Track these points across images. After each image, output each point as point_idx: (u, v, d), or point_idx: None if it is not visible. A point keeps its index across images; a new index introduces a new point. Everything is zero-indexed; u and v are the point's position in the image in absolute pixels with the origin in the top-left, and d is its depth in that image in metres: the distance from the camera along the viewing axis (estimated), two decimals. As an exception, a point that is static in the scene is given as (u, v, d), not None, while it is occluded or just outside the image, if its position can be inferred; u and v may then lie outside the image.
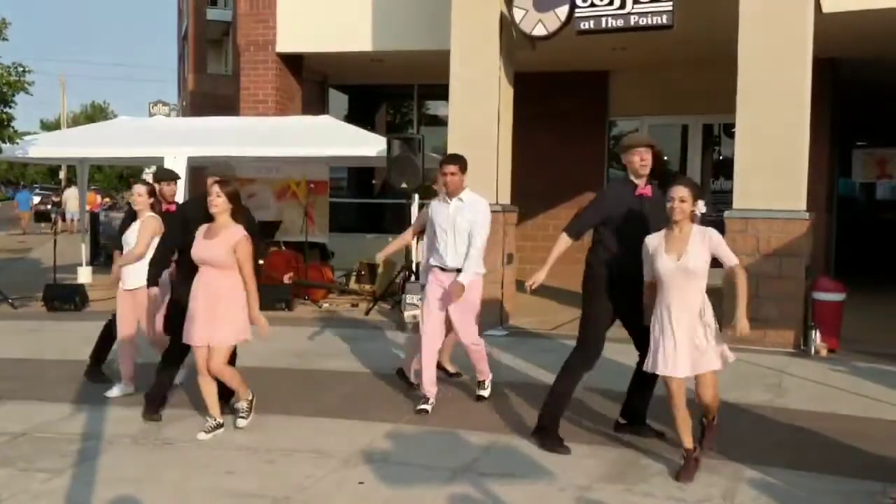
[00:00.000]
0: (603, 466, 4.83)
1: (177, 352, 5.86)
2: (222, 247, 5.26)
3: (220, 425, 5.45)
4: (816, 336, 8.14)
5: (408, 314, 9.68)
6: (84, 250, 13.96)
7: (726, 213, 8.65)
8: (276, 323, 7.07)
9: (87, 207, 15.52)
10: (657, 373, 4.70)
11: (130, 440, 5.32)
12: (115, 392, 6.38)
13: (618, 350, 5.94)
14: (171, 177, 7.13)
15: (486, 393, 6.35)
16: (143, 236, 6.31)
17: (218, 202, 5.30)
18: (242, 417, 5.61)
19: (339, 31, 12.56)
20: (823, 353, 8.09)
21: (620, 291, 5.12)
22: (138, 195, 6.44)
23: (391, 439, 5.37)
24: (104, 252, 16.63)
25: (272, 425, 5.72)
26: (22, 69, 10.28)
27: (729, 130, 12.62)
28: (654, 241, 4.79)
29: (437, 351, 6.12)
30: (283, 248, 11.89)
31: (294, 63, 13.44)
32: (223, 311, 5.29)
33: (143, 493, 4.46)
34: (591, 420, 5.76)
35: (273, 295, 10.08)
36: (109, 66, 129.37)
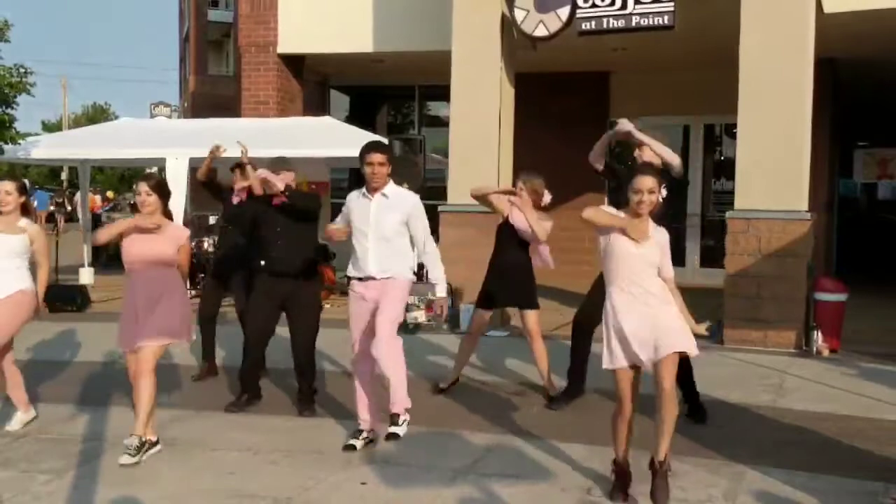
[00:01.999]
0: (604, 467, 4.81)
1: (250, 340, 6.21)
2: (169, 244, 4.95)
3: (146, 443, 4.91)
4: (818, 336, 8.15)
5: (409, 315, 9.69)
6: (86, 251, 13.97)
7: (728, 214, 8.66)
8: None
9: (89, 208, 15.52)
10: (604, 367, 4.34)
11: (132, 441, 5.32)
12: (15, 424, 5.56)
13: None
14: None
15: (400, 431, 5.15)
16: (46, 251, 5.63)
17: (149, 200, 4.90)
18: (128, 454, 4.80)
19: (340, 32, 12.57)
20: (825, 353, 8.09)
21: None
22: (6, 193, 5.42)
23: (393, 440, 5.37)
24: (105, 253, 16.64)
25: (274, 426, 5.72)
26: (24, 70, 10.29)
27: (730, 131, 12.63)
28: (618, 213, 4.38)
29: (369, 370, 5.19)
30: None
31: (295, 64, 13.45)
32: (156, 311, 4.91)
33: (145, 493, 4.46)
34: (593, 420, 5.75)
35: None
36: (111, 68, 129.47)
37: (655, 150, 5.66)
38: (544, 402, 6.31)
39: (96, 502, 4.37)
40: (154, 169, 25.38)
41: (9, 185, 5.45)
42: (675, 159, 5.70)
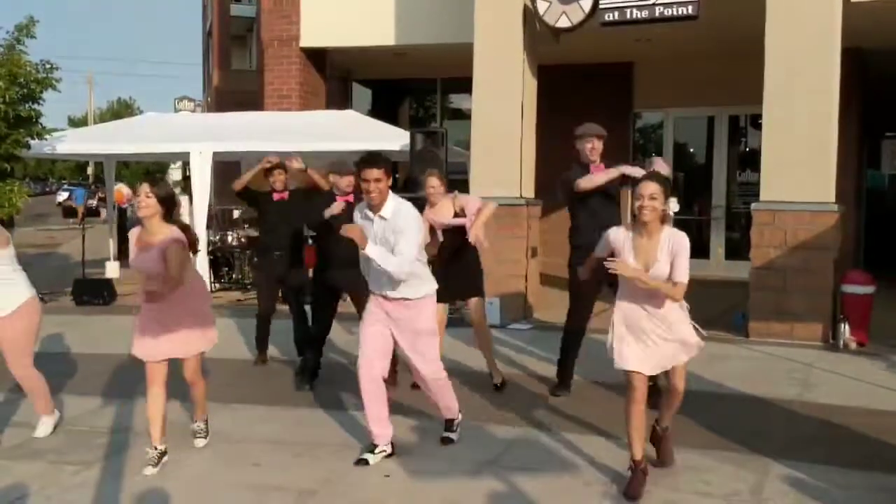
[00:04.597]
0: (628, 461, 4.79)
1: (321, 330, 6.60)
2: (156, 258, 4.70)
3: (164, 452, 4.82)
4: (845, 330, 8.06)
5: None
6: (111, 245, 14.11)
7: (753, 206, 8.58)
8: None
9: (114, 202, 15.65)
10: (618, 367, 4.40)
11: (158, 433, 5.37)
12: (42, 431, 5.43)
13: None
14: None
15: (454, 436, 5.16)
16: None
17: (148, 203, 4.67)
18: (201, 437, 5.18)
19: (361, 25, 12.58)
20: (852, 346, 8.00)
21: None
22: None
23: (416, 433, 5.38)
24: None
25: (299, 418, 5.75)
26: (50, 66, 10.39)
27: (755, 122, 12.49)
28: (619, 238, 4.36)
29: (378, 381, 4.86)
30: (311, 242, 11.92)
31: (317, 58, 13.48)
32: (181, 323, 4.79)
33: (171, 485, 4.50)
34: (616, 415, 5.72)
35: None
36: (135, 63, 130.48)
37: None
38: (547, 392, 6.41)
39: (123, 494, 4.41)
40: (178, 164, 25.24)
41: None
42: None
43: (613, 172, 6.03)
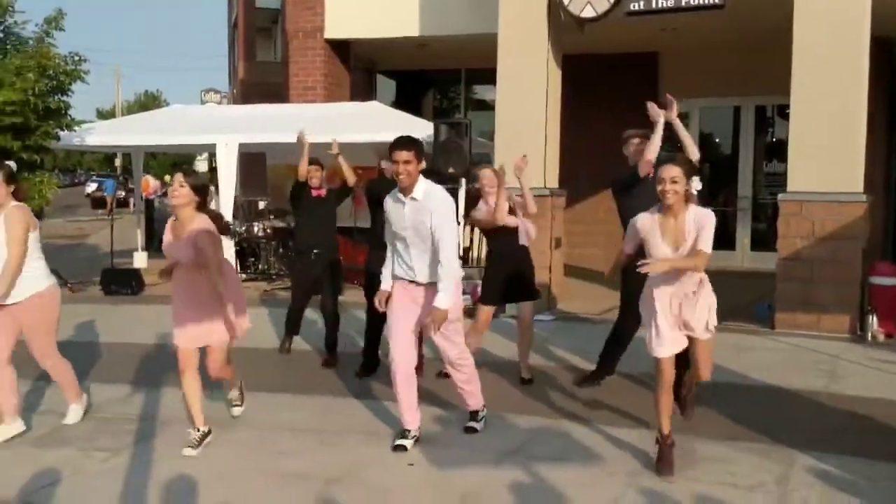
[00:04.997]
0: (653, 452, 4.79)
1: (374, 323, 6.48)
2: (189, 246, 4.80)
3: (207, 433, 4.99)
4: (873, 321, 7.98)
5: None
6: (139, 236, 14.25)
7: (780, 196, 8.51)
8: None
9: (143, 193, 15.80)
10: (654, 356, 4.52)
11: (185, 421, 5.41)
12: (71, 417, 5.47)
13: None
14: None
15: (478, 426, 5.22)
16: (17, 235, 4.98)
17: (181, 192, 4.78)
18: (238, 406, 5.47)
19: (385, 16, 12.59)
20: (880, 338, 7.93)
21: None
22: None
23: (440, 422, 5.41)
24: (158, 237, 16.99)
25: (324, 406, 5.80)
26: (78, 58, 10.50)
27: (783, 112, 12.36)
28: (646, 224, 4.47)
29: (410, 371, 4.94)
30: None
31: (342, 49, 13.51)
32: (211, 310, 4.87)
33: (197, 472, 4.55)
34: (641, 406, 5.71)
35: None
36: (162, 56, 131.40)
37: (685, 142, 5.75)
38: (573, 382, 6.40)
39: (150, 480, 4.47)
40: (205, 155, 25.27)
41: None
42: (695, 153, 5.68)
43: (658, 128, 5.69)
